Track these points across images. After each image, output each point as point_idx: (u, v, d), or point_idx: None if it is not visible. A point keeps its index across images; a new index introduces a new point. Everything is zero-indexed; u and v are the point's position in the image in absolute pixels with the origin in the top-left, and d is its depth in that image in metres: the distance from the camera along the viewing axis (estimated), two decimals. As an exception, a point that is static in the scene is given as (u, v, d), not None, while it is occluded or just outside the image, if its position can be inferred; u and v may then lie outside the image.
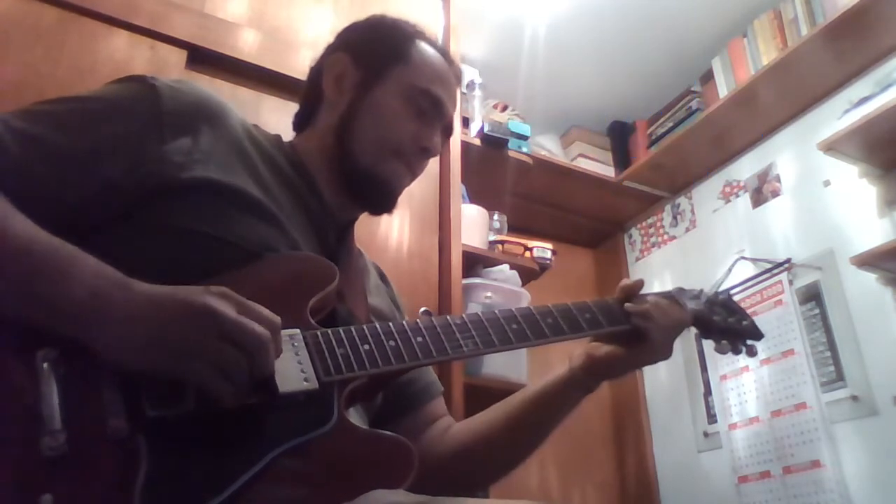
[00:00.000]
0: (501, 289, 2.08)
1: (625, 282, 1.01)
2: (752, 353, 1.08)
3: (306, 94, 1.06)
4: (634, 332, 0.95)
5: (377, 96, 0.97)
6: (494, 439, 0.99)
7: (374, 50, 1.01)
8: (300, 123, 1.05)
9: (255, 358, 0.64)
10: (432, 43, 1.04)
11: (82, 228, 0.72)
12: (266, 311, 0.67)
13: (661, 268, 3.02)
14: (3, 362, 0.61)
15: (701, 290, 1.09)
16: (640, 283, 1.01)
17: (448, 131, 1.05)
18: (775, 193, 2.55)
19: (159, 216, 0.76)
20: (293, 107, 1.07)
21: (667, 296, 1.03)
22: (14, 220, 0.66)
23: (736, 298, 2.07)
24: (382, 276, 1.14)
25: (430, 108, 0.98)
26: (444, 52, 1.04)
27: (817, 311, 2.28)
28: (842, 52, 2.24)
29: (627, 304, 0.97)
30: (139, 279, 0.66)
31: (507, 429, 0.99)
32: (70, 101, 0.80)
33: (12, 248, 0.64)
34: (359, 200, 0.99)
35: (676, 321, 0.99)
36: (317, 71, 1.04)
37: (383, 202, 1.00)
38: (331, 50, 1.05)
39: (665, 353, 0.97)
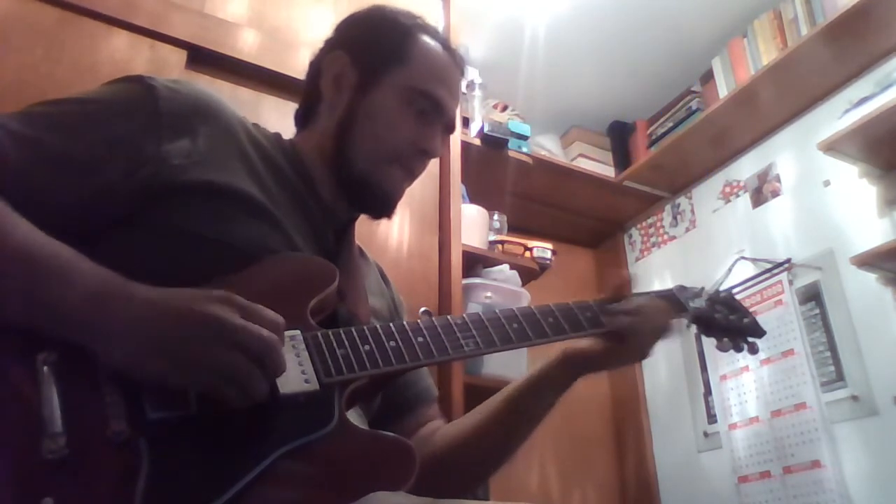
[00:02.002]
0: (501, 289, 2.07)
1: (616, 281, 1.00)
2: (753, 350, 1.08)
3: (306, 91, 1.03)
4: (616, 334, 0.93)
5: (375, 100, 0.95)
6: (473, 441, 0.97)
7: (373, 49, 0.98)
8: (301, 120, 1.03)
9: (265, 362, 0.63)
10: (433, 35, 1.00)
11: (81, 232, 0.72)
12: (270, 313, 0.67)
13: (661, 268, 3.02)
14: (4, 365, 0.61)
15: (702, 289, 1.09)
16: (629, 284, 1.00)
17: (449, 129, 1.02)
18: (775, 193, 2.55)
19: (158, 219, 0.76)
20: (293, 107, 1.06)
21: (657, 296, 1.02)
22: (14, 224, 0.65)
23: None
24: (384, 276, 1.13)
25: (430, 109, 0.96)
26: (445, 43, 1.00)
27: (817, 311, 2.28)
28: (842, 52, 2.24)
29: (612, 306, 0.95)
30: (139, 282, 0.65)
31: (484, 432, 0.96)
32: (67, 102, 0.80)
33: (12, 253, 0.63)
34: (357, 206, 0.97)
35: (660, 326, 0.96)
36: (315, 67, 1.01)
37: (382, 208, 0.98)
38: (330, 46, 1.02)
39: (643, 355, 0.95)
